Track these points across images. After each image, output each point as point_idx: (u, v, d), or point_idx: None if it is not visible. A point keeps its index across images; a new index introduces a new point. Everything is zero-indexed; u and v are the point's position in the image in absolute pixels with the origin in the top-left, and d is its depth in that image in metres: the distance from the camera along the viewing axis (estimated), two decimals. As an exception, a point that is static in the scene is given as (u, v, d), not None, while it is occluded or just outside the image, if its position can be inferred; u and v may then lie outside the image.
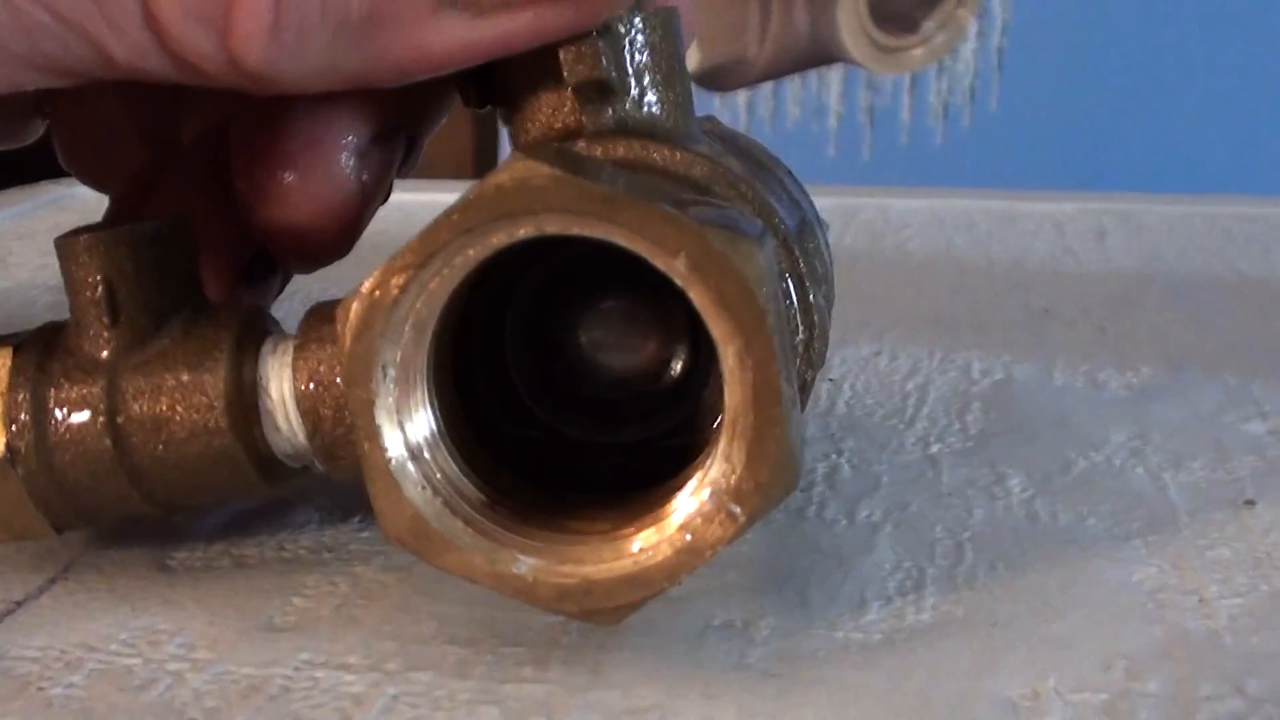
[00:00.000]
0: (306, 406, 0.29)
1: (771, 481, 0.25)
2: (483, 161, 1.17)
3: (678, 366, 0.32)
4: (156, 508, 0.31)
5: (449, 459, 0.27)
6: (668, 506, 0.26)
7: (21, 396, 0.30)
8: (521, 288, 0.32)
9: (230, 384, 0.29)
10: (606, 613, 0.26)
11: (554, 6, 0.28)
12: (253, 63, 0.27)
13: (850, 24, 1.14)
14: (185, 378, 0.29)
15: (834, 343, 0.34)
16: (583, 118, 0.30)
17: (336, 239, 0.34)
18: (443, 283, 0.26)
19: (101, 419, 0.29)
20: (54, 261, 0.59)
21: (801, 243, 0.31)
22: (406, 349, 0.26)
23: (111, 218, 0.37)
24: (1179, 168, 1.11)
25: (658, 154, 0.30)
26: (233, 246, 0.35)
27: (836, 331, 0.35)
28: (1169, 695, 0.27)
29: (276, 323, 0.32)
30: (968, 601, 0.31)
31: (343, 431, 0.29)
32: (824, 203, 0.36)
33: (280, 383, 0.29)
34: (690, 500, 0.26)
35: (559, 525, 0.27)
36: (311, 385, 0.29)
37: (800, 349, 0.30)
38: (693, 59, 0.32)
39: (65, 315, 0.31)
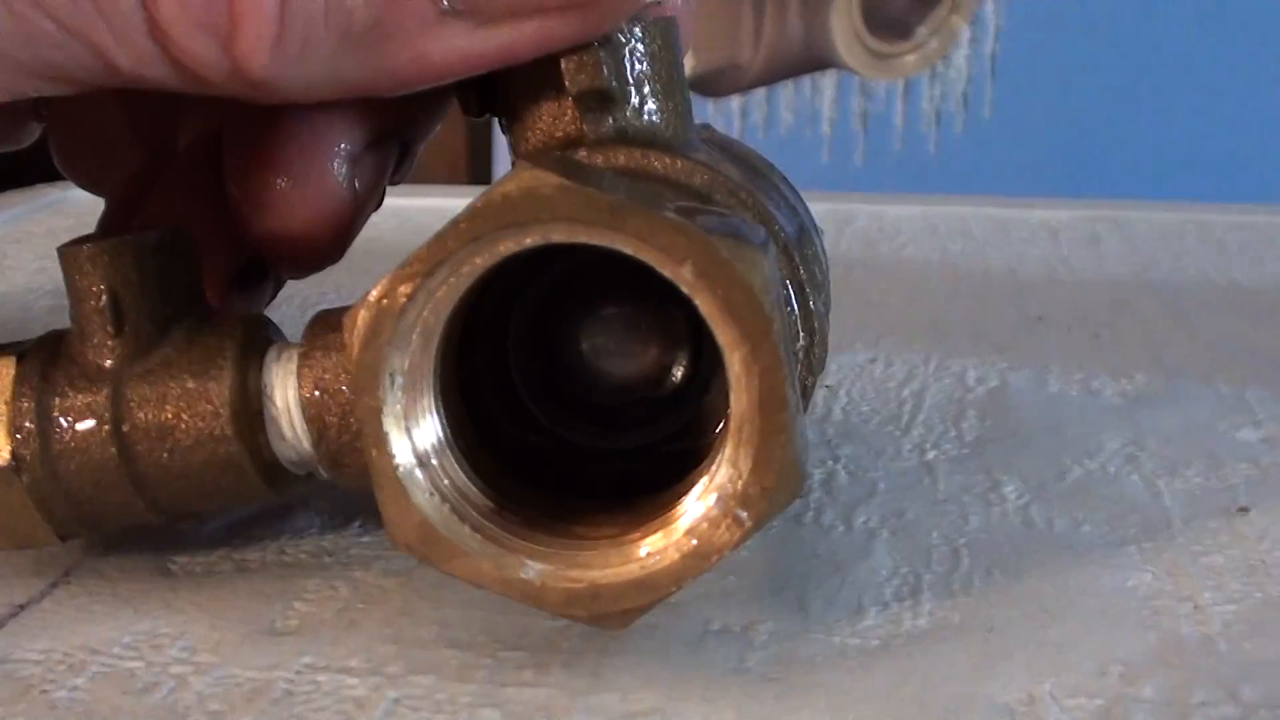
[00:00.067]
0: (312, 414, 0.29)
1: (778, 487, 0.25)
2: (477, 167, 1.17)
3: (679, 373, 0.32)
4: (161, 515, 0.31)
5: (456, 465, 0.27)
6: (674, 512, 0.27)
7: (26, 405, 0.30)
8: (525, 295, 0.32)
9: (235, 391, 0.29)
10: (614, 617, 0.26)
11: (557, 17, 0.28)
12: (256, 72, 0.27)
13: (844, 30, 1.15)
14: (190, 385, 0.29)
15: (830, 349, 0.35)
16: (584, 126, 0.30)
17: (329, 245, 0.34)
18: (450, 291, 0.26)
19: (106, 427, 0.29)
20: (51, 265, 0.59)
21: (801, 249, 0.31)
22: (414, 356, 0.26)
23: (106, 221, 0.38)
24: (1173, 175, 1.11)
25: (658, 162, 0.30)
26: (226, 252, 0.35)
27: (832, 338, 0.35)
28: (1164, 701, 0.27)
29: (280, 331, 0.32)
30: (964, 607, 0.31)
31: (348, 439, 0.29)
32: (819, 209, 0.36)
33: (285, 390, 0.29)
34: (697, 505, 0.26)
35: (565, 531, 0.28)
36: (317, 393, 0.29)
37: (801, 355, 0.30)
38: (687, 65, 0.32)
39: (64, 319, 0.31)
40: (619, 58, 0.30)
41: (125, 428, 0.29)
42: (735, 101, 1.19)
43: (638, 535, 0.27)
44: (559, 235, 0.25)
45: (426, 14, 0.28)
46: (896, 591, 0.32)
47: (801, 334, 0.30)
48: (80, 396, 0.30)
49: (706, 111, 1.18)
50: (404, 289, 0.26)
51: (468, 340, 0.30)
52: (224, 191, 0.34)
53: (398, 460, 0.27)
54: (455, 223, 0.25)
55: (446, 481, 0.27)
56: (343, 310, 0.29)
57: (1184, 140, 1.12)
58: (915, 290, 0.58)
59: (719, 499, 0.26)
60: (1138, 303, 0.55)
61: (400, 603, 0.31)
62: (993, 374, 0.46)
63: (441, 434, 0.27)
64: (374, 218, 0.36)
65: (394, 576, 0.32)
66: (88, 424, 0.29)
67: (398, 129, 0.35)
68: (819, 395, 0.44)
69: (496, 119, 0.32)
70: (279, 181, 0.33)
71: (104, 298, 0.30)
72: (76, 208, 0.71)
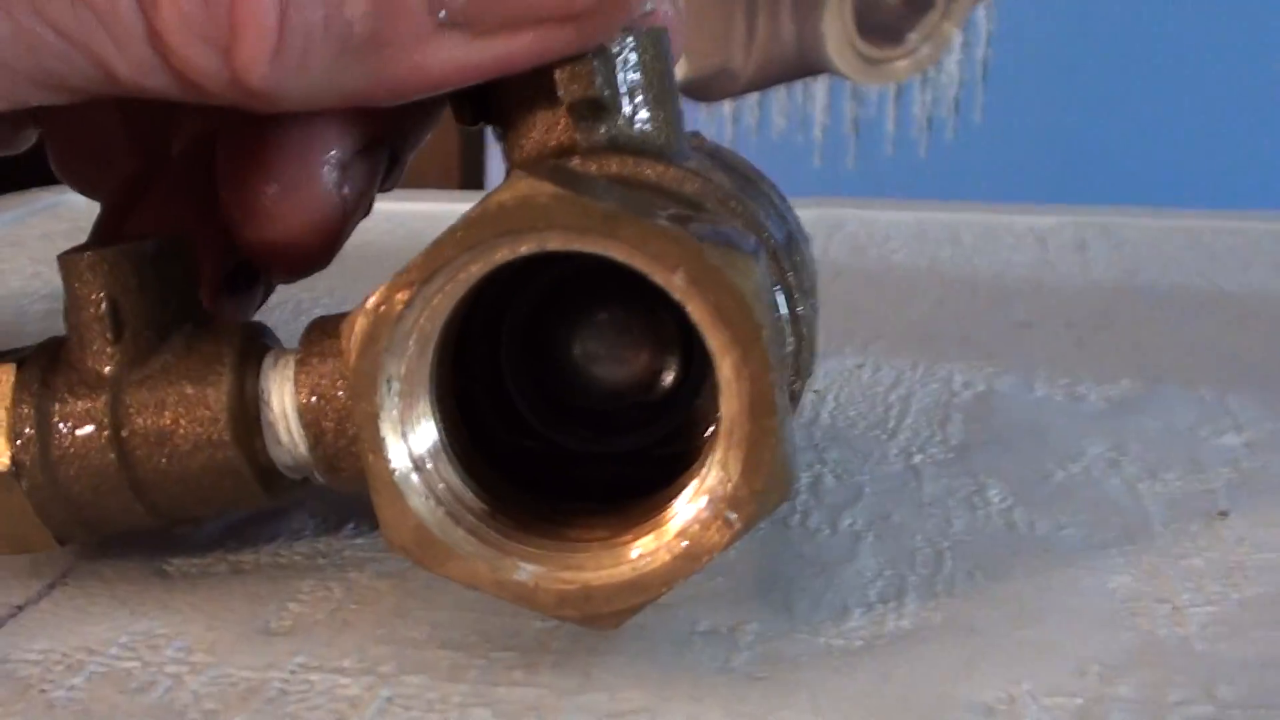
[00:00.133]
0: (308, 419, 0.30)
1: (767, 489, 0.26)
2: (469, 172, 1.17)
3: (670, 377, 0.33)
4: (160, 520, 0.31)
5: (451, 469, 0.28)
6: (665, 514, 0.27)
7: (26, 411, 0.30)
8: (518, 300, 0.32)
9: (233, 397, 0.30)
10: (606, 617, 0.27)
11: (552, 29, 0.29)
12: (255, 82, 0.28)
13: (836, 36, 1.15)
14: (189, 391, 0.30)
15: (818, 354, 0.35)
16: (577, 135, 0.30)
17: (317, 251, 0.35)
18: (445, 298, 0.26)
19: (106, 433, 0.30)
20: (46, 269, 0.60)
21: (789, 256, 0.32)
22: (410, 362, 0.27)
23: (101, 225, 0.38)
24: (1164, 180, 1.12)
25: (650, 170, 0.30)
26: (217, 256, 0.35)
27: (821, 343, 0.35)
28: (1141, 700, 0.28)
29: (276, 337, 0.32)
30: (947, 608, 0.31)
31: (344, 443, 0.29)
32: (809, 215, 0.37)
33: (282, 396, 0.30)
34: (688, 508, 0.27)
35: (558, 533, 0.28)
36: (313, 398, 0.30)
37: (790, 359, 0.31)
38: (679, 69, 0.32)
39: (59, 323, 0.31)
40: (611, 68, 0.30)
41: (124, 433, 0.30)
42: (728, 106, 1.19)
43: (629, 537, 0.27)
44: (554, 243, 0.25)
45: (424, 25, 0.28)
46: (881, 593, 0.32)
47: (790, 339, 0.31)
48: (80, 402, 0.30)
49: (699, 116, 1.18)
50: (401, 296, 0.26)
51: (462, 346, 0.30)
52: (215, 197, 0.35)
53: (394, 465, 0.27)
54: (452, 231, 0.25)
55: (442, 485, 0.28)
56: (339, 317, 0.29)
57: (1175, 146, 1.13)
58: (904, 296, 0.58)
59: (709, 501, 0.27)
60: (1123, 309, 0.56)
61: (393, 604, 0.32)
62: (979, 379, 0.47)
63: (437, 438, 0.28)
64: (366, 221, 0.36)
65: (387, 578, 0.33)
66: (87, 430, 0.30)
67: (388, 136, 0.35)
68: (807, 399, 0.44)
69: (490, 127, 0.32)
70: (270, 188, 0.33)
71: (103, 305, 0.30)
72: (72, 211, 0.71)
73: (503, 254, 0.26)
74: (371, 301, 0.26)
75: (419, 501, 0.27)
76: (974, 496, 0.37)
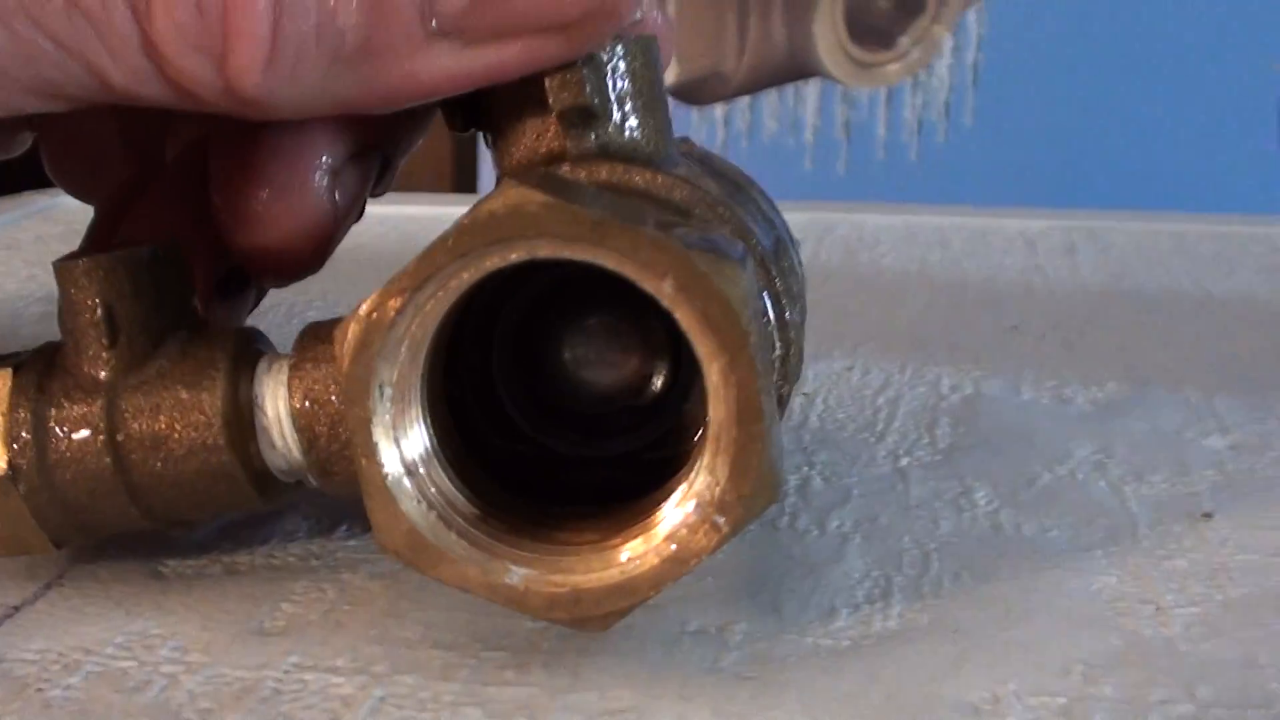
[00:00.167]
0: (302, 424, 0.30)
1: (754, 494, 0.26)
2: (462, 175, 1.17)
3: (659, 382, 0.33)
4: (155, 523, 0.31)
5: (443, 474, 0.28)
6: (653, 518, 0.27)
7: (23, 415, 0.30)
8: (508, 306, 0.33)
9: (227, 402, 0.30)
10: (595, 620, 0.27)
11: (542, 38, 0.29)
12: (249, 90, 0.28)
13: (827, 39, 1.16)
14: (183, 396, 0.30)
15: (807, 357, 0.35)
16: (567, 142, 0.31)
17: (309, 256, 0.35)
18: (437, 305, 0.27)
19: (101, 437, 0.30)
20: (41, 273, 0.60)
21: (777, 262, 0.32)
22: (402, 368, 0.27)
23: (95, 229, 0.38)
24: (1150, 184, 1.12)
25: (639, 177, 0.31)
26: (210, 261, 0.36)
27: (810, 346, 0.36)
28: (1124, 699, 0.28)
29: (270, 342, 0.32)
30: (933, 609, 0.32)
31: (337, 448, 0.30)
32: (799, 218, 0.37)
33: (276, 401, 0.30)
34: (676, 512, 0.27)
35: (548, 537, 0.28)
36: (307, 403, 0.30)
37: (777, 364, 0.31)
38: (671, 73, 0.32)
39: (54, 326, 0.32)
40: (601, 76, 0.31)
41: (120, 438, 0.30)
42: (719, 109, 1.19)
43: (618, 541, 0.28)
44: (544, 251, 0.26)
45: (415, 34, 0.28)
46: (868, 594, 0.32)
47: (778, 344, 0.31)
48: (76, 407, 0.30)
49: (690, 119, 1.18)
50: (393, 303, 0.26)
51: (453, 351, 0.31)
52: (208, 202, 0.35)
53: (386, 469, 0.27)
54: (443, 239, 0.26)
55: (433, 489, 0.28)
56: (332, 322, 0.29)
57: (1163, 150, 1.13)
58: (893, 299, 0.58)
59: (697, 505, 0.27)
60: (1111, 312, 0.56)
61: (385, 604, 0.32)
62: (967, 382, 0.47)
63: (429, 443, 0.28)
64: (359, 225, 0.37)
65: (379, 579, 0.33)
66: (83, 434, 0.30)
67: (379, 142, 0.36)
68: (796, 402, 0.45)
69: (481, 134, 0.33)
70: (261, 193, 0.34)
71: (99, 311, 0.30)
72: (65, 215, 0.71)
73: (493, 261, 0.26)
74: (364, 308, 0.27)
75: (411, 506, 0.28)
76: (961, 499, 0.38)
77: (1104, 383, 0.47)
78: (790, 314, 0.32)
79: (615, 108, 0.31)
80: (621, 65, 0.31)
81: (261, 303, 0.39)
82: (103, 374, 0.30)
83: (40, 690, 0.29)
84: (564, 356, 0.33)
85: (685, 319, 0.26)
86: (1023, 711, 0.28)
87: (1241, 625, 0.31)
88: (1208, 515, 0.37)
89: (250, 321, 0.37)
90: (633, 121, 0.31)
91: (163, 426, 0.30)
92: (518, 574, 0.28)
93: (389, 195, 0.38)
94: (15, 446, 0.30)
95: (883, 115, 1.18)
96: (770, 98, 1.18)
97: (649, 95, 0.32)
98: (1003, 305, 0.57)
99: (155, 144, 0.39)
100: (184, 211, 0.36)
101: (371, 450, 0.27)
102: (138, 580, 0.33)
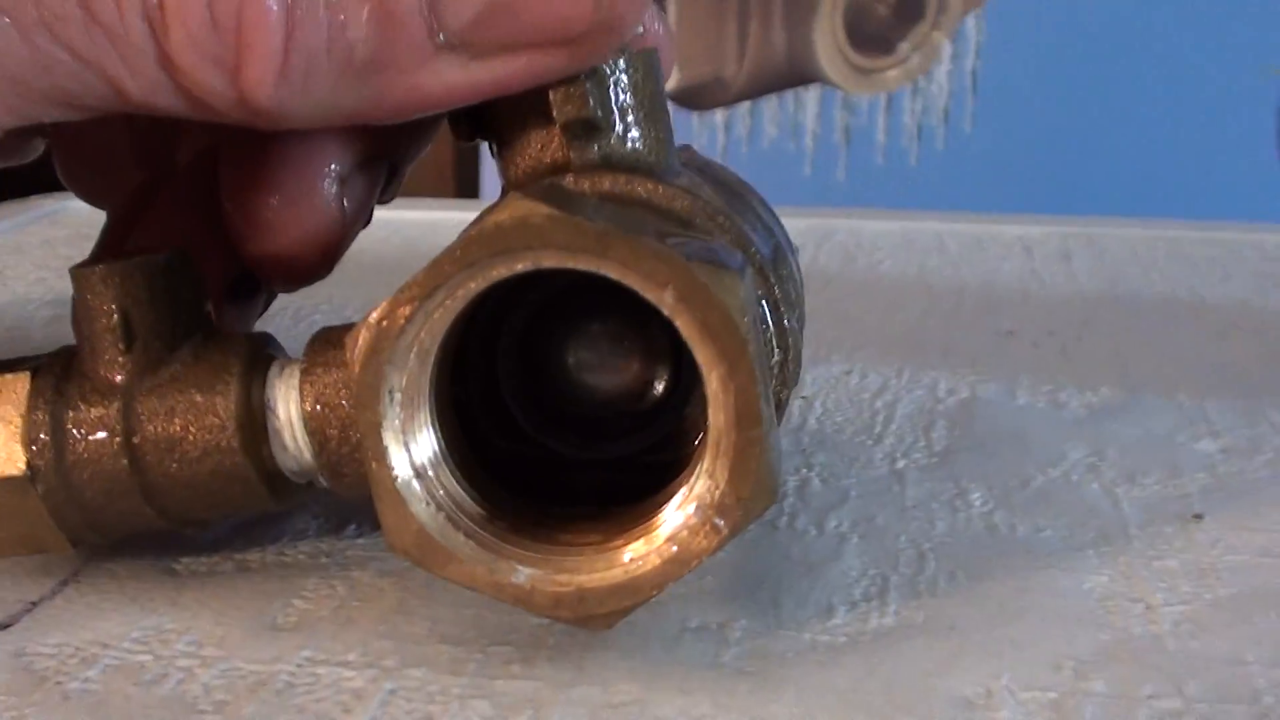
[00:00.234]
0: (313, 426, 0.31)
1: (753, 496, 0.27)
2: (463, 180, 1.18)
3: (659, 387, 0.34)
4: (170, 522, 0.32)
5: (450, 476, 0.29)
6: (655, 519, 0.28)
7: (41, 417, 0.31)
8: (513, 313, 0.33)
9: (240, 405, 0.31)
10: (598, 619, 0.28)
11: (547, 52, 0.29)
12: (261, 101, 0.28)
13: (827, 45, 1.16)
14: (198, 400, 0.31)
15: (807, 361, 0.36)
16: (570, 153, 0.31)
17: (318, 261, 0.36)
18: (445, 313, 0.27)
19: (118, 439, 0.31)
20: (50, 275, 0.61)
21: (776, 269, 0.33)
22: (411, 374, 0.28)
23: (107, 234, 0.39)
24: (1150, 187, 1.13)
25: (641, 188, 0.31)
26: (220, 266, 0.36)
27: (809, 350, 0.36)
28: (1113, 694, 0.29)
29: (281, 347, 0.33)
30: (928, 607, 0.32)
31: (348, 450, 0.30)
32: (798, 224, 0.38)
33: (288, 404, 0.31)
34: (677, 514, 0.28)
35: (552, 538, 0.29)
36: (318, 407, 0.30)
37: (775, 370, 0.32)
38: (672, 78, 0.33)
39: (63, 328, 0.32)
40: (604, 89, 0.31)
41: (136, 439, 0.31)
42: (720, 115, 1.20)
43: (621, 542, 0.28)
44: (549, 261, 0.26)
45: (423, 48, 0.29)
46: (865, 592, 0.33)
47: (776, 350, 0.32)
48: (93, 410, 0.31)
49: (691, 124, 1.19)
50: (403, 311, 0.27)
51: (460, 356, 0.31)
52: (219, 208, 0.36)
53: (396, 472, 0.28)
54: (451, 250, 0.26)
55: (442, 492, 0.29)
56: (343, 328, 0.30)
57: (1160, 156, 1.14)
58: (891, 304, 0.59)
59: (698, 508, 0.28)
60: (1106, 318, 0.57)
61: (394, 601, 0.33)
62: (963, 386, 0.48)
63: (437, 447, 0.29)
64: (364, 230, 0.37)
65: (388, 576, 0.34)
66: (100, 436, 0.31)
67: (386, 151, 0.36)
68: (795, 405, 0.45)
69: (486, 143, 0.33)
70: (271, 200, 0.34)
71: (115, 316, 0.31)
72: (72, 218, 0.72)
73: (499, 271, 0.27)
74: (374, 316, 0.27)
75: (420, 507, 0.28)
76: (956, 500, 0.38)
77: (1098, 387, 0.47)
78: (788, 321, 0.32)
79: (618, 120, 0.32)
80: (624, 78, 0.31)
81: (270, 306, 0.39)
82: (119, 377, 0.31)
83: (59, 683, 0.29)
84: (567, 361, 0.33)
85: (686, 327, 0.26)
86: (1015, 706, 0.29)
87: (1229, 624, 0.32)
88: (1198, 517, 0.37)
89: (259, 325, 0.38)
90: (635, 133, 0.32)
91: (178, 429, 0.31)
92: (524, 574, 0.28)
93: (393, 201, 0.39)
94: (34, 448, 0.31)
95: (882, 121, 1.19)
96: (771, 103, 1.19)
97: (650, 107, 0.32)
98: (999, 310, 0.58)
99: (166, 150, 0.40)
100: (195, 217, 0.37)
101: (382, 453, 0.28)
102: (152, 577, 0.34)
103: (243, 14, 0.28)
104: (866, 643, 0.31)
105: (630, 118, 0.32)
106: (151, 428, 0.31)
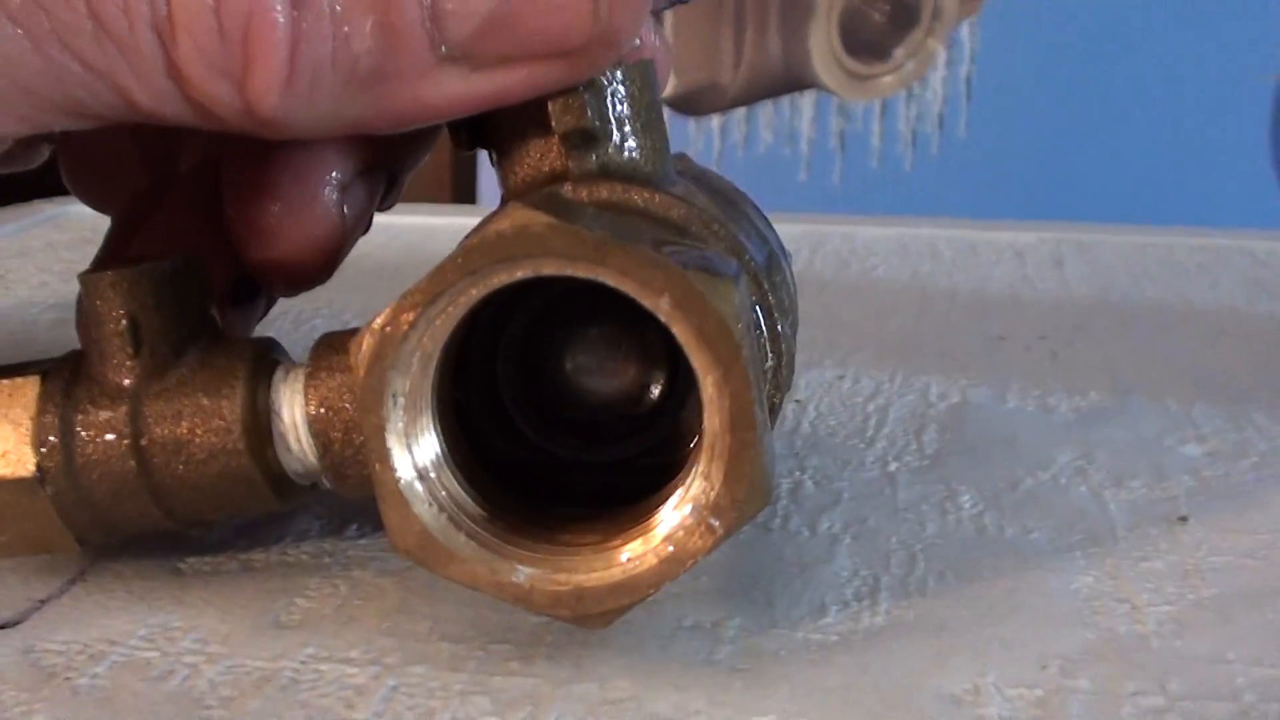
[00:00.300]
0: (317, 429, 0.31)
1: (747, 498, 0.28)
2: (460, 186, 1.18)
3: (655, 391, 0.34)
4: (176, 523, 0.33)
5: (452, 478, 0.29)
6: (652, 520, 0.29)
7: (50, 420, 0.31)
8: (513, 318, 0.34)
9: (246, 409, 0.31)
10: (596, 617, 0.29)
11: (546, 64, 0.30)
12: (267, 111, 0.29)
13: (822, 51, 1.17)
14: (204, 403, 0.31)
15: (800, 366, 0.37)
16: (569, 163, 0.32)
17: (318, 267, 0.36)
18: (447, 319, 0.28)
19: (126, 441, 0.31)
20: (53, 279, 0.61)
21: (770, 276, 0.33)
22: (414, 378, 0.29)
23: (111, 238, 0.39)
24: (1143, 196, 1.13)
25: (638, 196, 0.32)
26: (221, 270, 0.36)
27: (803, 355, 0.37)
28: (1098, 692, 0.30)
29: (285, 352, 0.34)
30: (918, 607, 0.33)
31: (351, 452, 0.31)
32: (793, 230, 0.38)
33: (292, 408, 0.31)
34: (673, 515, 0.28)
35: (551, 538, 0.30)
36: (322, 410, 0.31)
37: (769, 374, 0.32)
38: (668, 85, 0.33)
39: (67, 332, 0.33)
40: (602, 99, 0.32)
41: (143, 442, 0.31)
42: (715, 120, 1.20)
43: (619, 542, 0.29)
44: (549, 269, 0.27)
45: (425, 59, 0.29)
46: (856, 592, 0.34)
47: (770, 355, 0.32)
48: (101, 413, 0.31)
49: (687, 130, 1.19)
50: (406, 317, 0.28)
51: (461, 361, 0.32)
52: (221, 214, 0.36)
53: (399, 474, 0.29)
54: (454, 257, 0.27)
55: (444, 493, 0.29)
56: (346, 334, 0.31)
57: (1152, 163, 1.14)
58: (884, 310, 0.60)
59: (694, 509, 0.28)
60: (1096, 323, 0.58)
61: (396, 600, 0.33)
62: (954, 390, 0.48)
63: (439, 449, 0.29)
64: (363, 236, 0.38)
65: (389, 576, 0.34)
66: (108, 438, 0.31)
67: (386, 160, 0.37)
68: (788, 409, 0.46)
69: (486, 152, 0.34)
70: (274, 207, 0.35)
71: (124, 322, 0.31)
72: (74, 222, 0.73)
73: (500, 278, 0.27)
74: (378, 322, 0.28)
75: (423, 508, 0.29)
76: (946, 502, 0.39)
77: (1087, 392, 0.48)
78: (782, 326, 0.33)
79: (615, 130, 0.32)
80: (621, 89, 0.32)
81: (270, 310, 0.40)
82: (127, 381, 0.32)
83: (68, 679, 0.30)
84: (566, 366, 0.34)
85: (682, 333, 0.27)
86: (1002, 703, 0.29)
87: (1212, 623, 0.32)
88: (1183, 519, 0.38)
89: (259, 329, 0.38)
90: (631, 143, 0.32)
91: (184, 431, 0.31)
92: (524, 573, 0.29)
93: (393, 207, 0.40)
94: (43, 450, 0.31)
95: (877, 127, 1.19)
96: (766, 109, 1.19)
97: (647, 117, 0.33)
98: (991, 316, 0.58)
99: (169, 156, 0.40)
100: (197, 222, 0.37)
101: (385, 456, 0.29)
102: (158, 576, 0.34)
103: (250, 26, 0.28)
104: (858, 641, 0.32)
105: (627, 128, 0.32)
106: (159, 430, 0.31)
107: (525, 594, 0.29)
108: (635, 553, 0.29)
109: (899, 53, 1.18)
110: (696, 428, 0.28)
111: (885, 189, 1.19)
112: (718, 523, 0.28)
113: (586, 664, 0.31)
